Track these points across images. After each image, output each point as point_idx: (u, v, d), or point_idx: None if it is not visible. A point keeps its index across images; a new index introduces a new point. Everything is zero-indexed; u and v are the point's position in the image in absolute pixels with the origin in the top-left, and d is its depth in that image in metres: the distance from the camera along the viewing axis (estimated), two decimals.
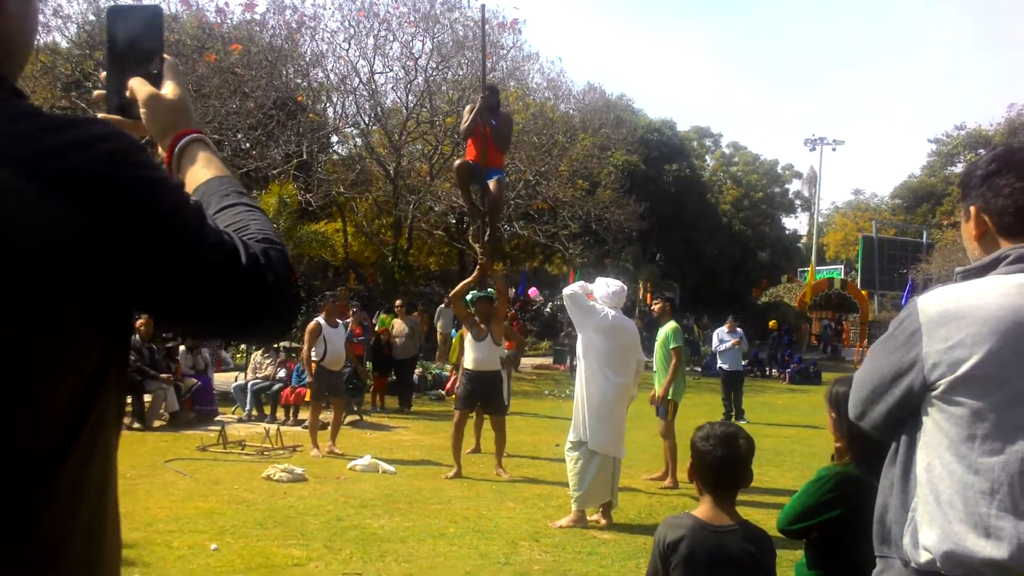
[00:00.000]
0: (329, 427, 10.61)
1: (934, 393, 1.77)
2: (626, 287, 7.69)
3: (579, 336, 7.37)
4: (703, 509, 2.76)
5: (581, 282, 7.80)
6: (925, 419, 1.81)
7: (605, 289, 7.31)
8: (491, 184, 8.94)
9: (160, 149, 1.31)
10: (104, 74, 1.31)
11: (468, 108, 8.96)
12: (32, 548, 0.95)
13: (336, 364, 10.56)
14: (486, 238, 9.37)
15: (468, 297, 9.33)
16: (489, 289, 9.56)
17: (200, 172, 1.28)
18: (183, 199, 1.04)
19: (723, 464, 2.72)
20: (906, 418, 1.87)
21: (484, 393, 9.25)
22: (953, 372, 1.73)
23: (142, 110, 1.29)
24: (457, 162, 9.70)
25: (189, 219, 1.02)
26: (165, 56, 1.33)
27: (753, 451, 2.81)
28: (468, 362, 9.32)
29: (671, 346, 9.23)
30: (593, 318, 7.14)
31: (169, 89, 1.31)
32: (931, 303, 1.80)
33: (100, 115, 1.27)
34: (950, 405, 1.75)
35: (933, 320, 1.77)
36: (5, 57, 1.05)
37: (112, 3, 1.38)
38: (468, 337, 9.29)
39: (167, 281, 1.01)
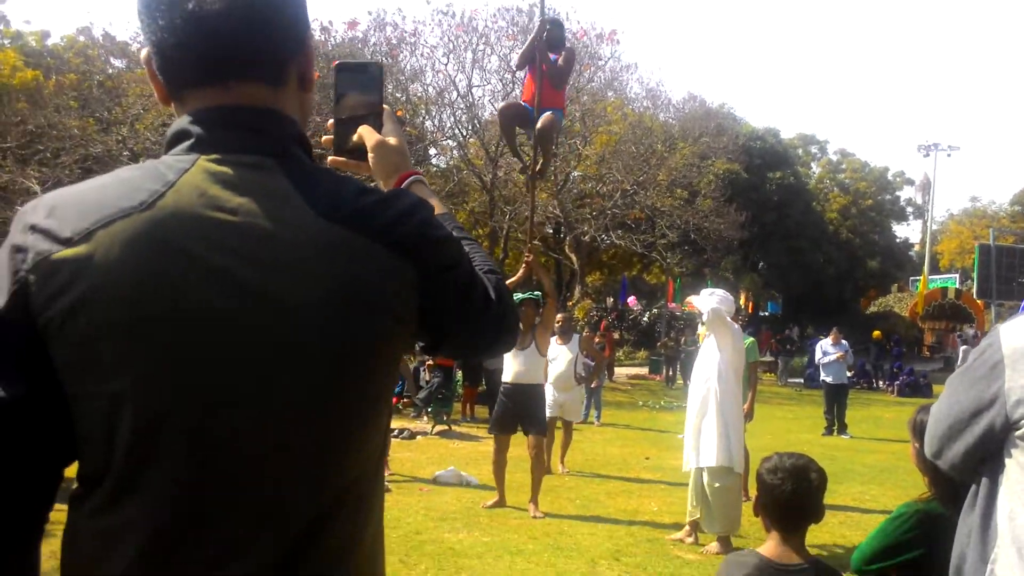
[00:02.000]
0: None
1: (1018, 433, 1.56)
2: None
3: (719, 354, 6.82)
4: (770, 546, 2.55)
5: (693, 296, 7.34)
6: (1008, 461, 1.60)
7: (719, 299, 6.90)
8: (542, 119, 7.57)
9: (383, 186, 1.47)
10: (332, 122, 1.49)
11: (532, 37, 7.73)
12: (366, 546, 1.20)
13: None
14: (537, 168, 7.97)
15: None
16: (536, 292, 8.50)
17: None
18: (463, 251, 1.27)
19: (792, 499, 2.51)
20: (987, 458, 1.65)
21: (523, 411, 7.98)
22: None
23: (370, 155, 1.46)
24: (503, 103, 8.76)
25: (468, 267, 1.27)
26: (384, 106, 1.50)
27: (825, 484, 2.59)
28: (506, 375, 8.11)
29: (750, 360, 8.82)
30: (734, 335, 6.82)
31: (391, 135, 1.48)
32: (1015, 333, 1.59)
33: (330, 158, 1.48)
34: None
35: (1018, 352, 1.56)
36: (304, 124, 1.26)
37: (340, 60, 1.53)
38: None
39: (453, 314, 1.24)
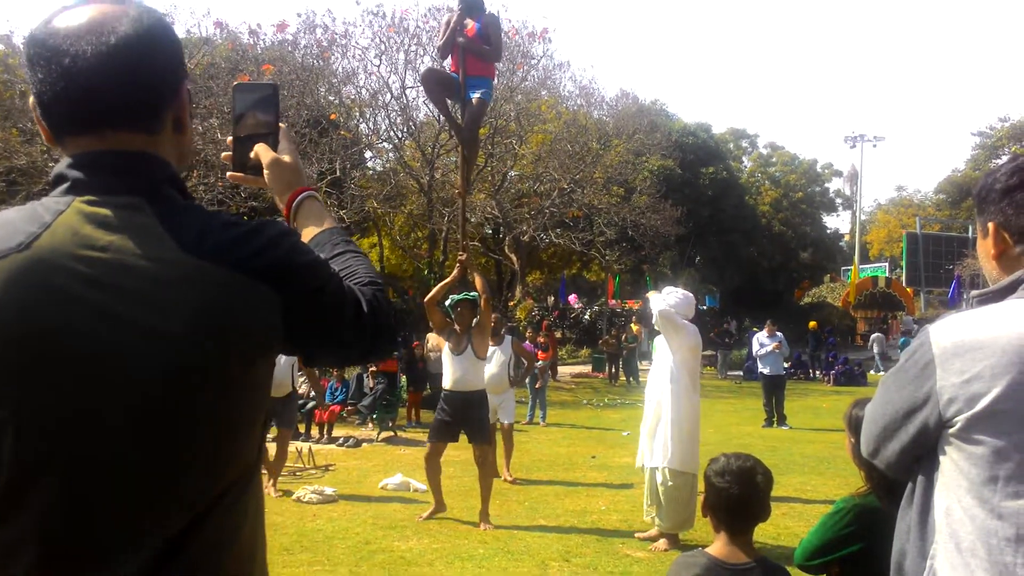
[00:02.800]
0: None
1: (951, 431, 1.61)
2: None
3: (672, 356, 6.83)
4: (718, 546, 2.59)
5: (653, 293, 7.36)
6: (943, 458, 1.64)
7: (678, 299, 6.91)
8: (472, 101, 7.30)
9: (278, 201, 1.58)
10: (231, 139, 1.58)
11: (445, 20, 7.39)
12: (237, 549, 1.27)
13: (278, 390, 8.63)
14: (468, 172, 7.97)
15: (447, 302, 7.81)
16: (472, 293, 7.88)
17: (314, 223, 1.56)
18: (330, 273, 1.35)
19: (740, 501, 2.56)
20: (923, 456, 1.70)
21: (465, 419, 7.59)
22: (971, 408, 1.57)
23: (266, 171, 1.56)
24: (422, 71, 8.33)
25: (337, 287, 1.34)
26: (280, 124, 1.60)
27: (771, 484, 2.65)
28: (445, 381, 7.75)
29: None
30: (688, 336, 6.81)
31: (286, 153, 1.58)
32: (944, 332, 1.63)
33: (229, 174, 1.61)
34: (969, 444, 1.59)
35: (947, 351, 1.60)
36: (181, 166, 1.35)
37: (237, 82, 1.63)
38: (445, 351, 7.71)
39: (322, 333, 1.33)
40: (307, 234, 1.54)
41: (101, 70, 1.21)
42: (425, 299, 7.73)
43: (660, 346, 7.14)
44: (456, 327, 7.67)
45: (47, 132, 1.29)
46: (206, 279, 1.19)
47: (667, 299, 6.87)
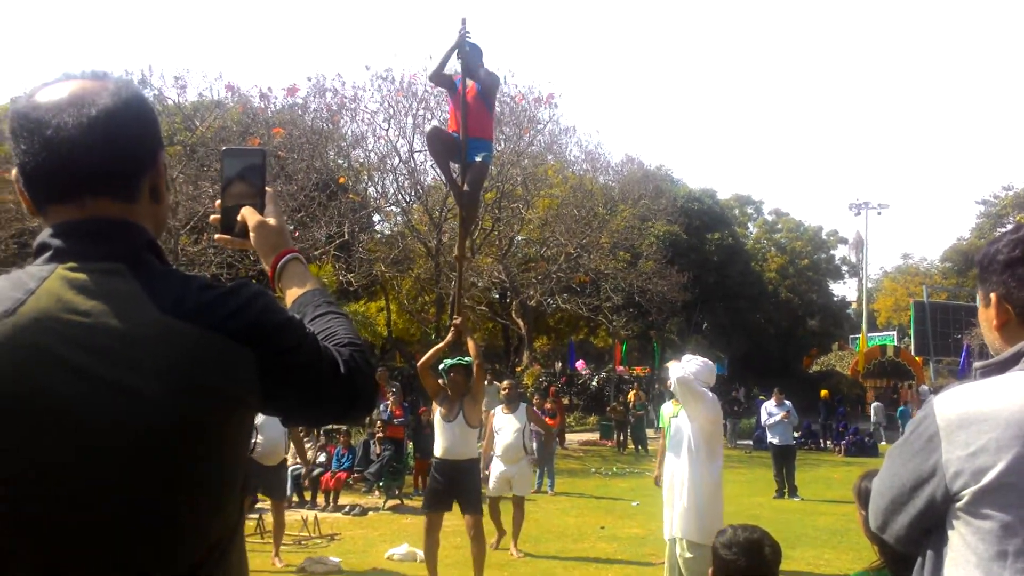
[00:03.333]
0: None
1: (958, 504, 1.59)
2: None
3: (690, 424, 6.85)
4: None
5: (674, 362, 7.23)
6: (951, 532, 1.62)
7: (698, 367, 6.83)
8: (476, 162, 7.16)
9: (264, 262, 1.62)
10: (219, 202, 1.62)
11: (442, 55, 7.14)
12: None
13: (270, 458, 8.61)
14: (465, 242, 7.72)
15: (440, 367, 7.65)
16: (466, 358, 7.63)
17: (297, 284, 1.60)
18: (306, 332, 1.39)
19: (747, 574, 2.53)
20: (931, 530, 1.69)
21: (456, 488, 7.44)
22: (977, 482, 1.55)
23: (252, 234, 1.61)
24: (429, 127, 8.12)
25: (312, 346, 1.38)
26: (267, 188, 1.64)
27: (780, 557, 2.61)
28: (437, 449, 7.56)
29: None
30: (707, 404, 6.70)
31: (271, 216, 1.63)
32: (948, 404, 1.63)
33: (216, 236, 1.66)
34: (976, 518, 1.57)
35: (952, 423, 1.60)
36: (157, 233, 1.40)
37: (226, 147, 1.69)
38: (437, 417, 7.56)
39: (297, 392, 1.35)
40: (291, 295, 1.59)
41: (81, 141, 1.27)
42: (418, 363, 7.60)
43: (680, 416, 7.02)
44: (449, 393, 7.51)
45: (29, 203, 1.34)
46: (183, 339, 1.23)
47: (687, 367, 6.78)
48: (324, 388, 1.38)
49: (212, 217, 1.67)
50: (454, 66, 7.19)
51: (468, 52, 6.90)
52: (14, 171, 1.33)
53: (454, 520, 10.83)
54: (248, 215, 1.62)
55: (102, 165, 1.29)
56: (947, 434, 1.61)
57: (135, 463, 1.20)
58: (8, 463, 1.17)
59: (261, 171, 1.65)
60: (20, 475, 1.17)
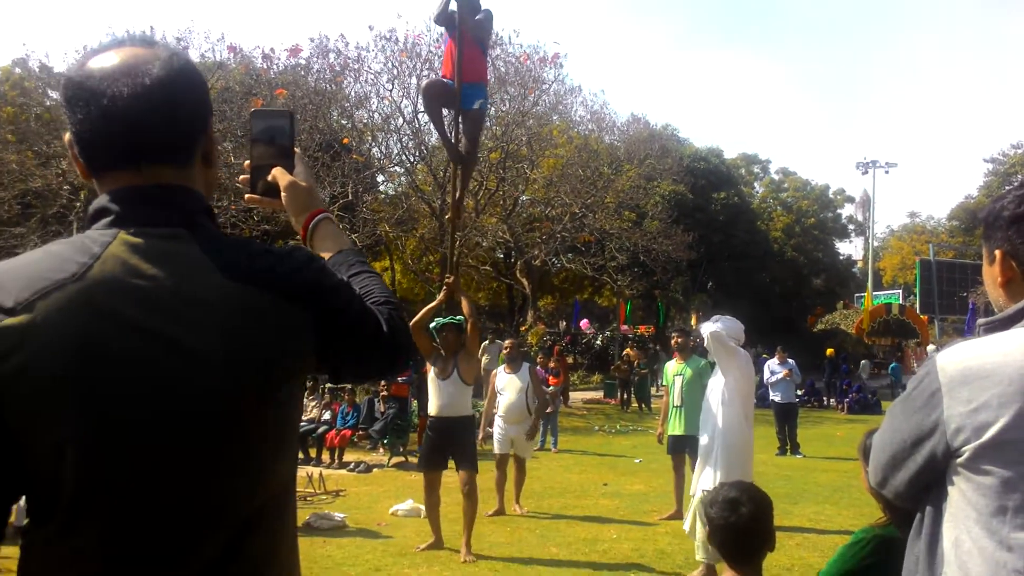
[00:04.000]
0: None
1: (959, 460, 1.59)
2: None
3: (724, 379, 6.73)
4: None
5: (707, 323, 7.20)
6: (951, 489, 1.63)
7: (726, 324, 6.80)
8: (473, 110, 7.05)
9: (295, 222, 1.66)
10: (248, 163, 1.65)
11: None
12: (278, 566, 1.37)
13: None
14: (459, 195, 7.70)
15: (432, 326, 7.62)
16: (458, 316, 7.72)
17: (330, 245, 1.65)
18: (354, 293, 1.46)
19: (732, 532, 2.53)
20: (931, 486, 1.69)
21: (451, 444, 7.50)
22: (978, 437, 1.55)
23: (283, 193, 1.64)
24: (425, 82, 7.95)
25: (360, 306, 1.45)
26: (295, 148, 1.67)
27: (765, 511, 2.61)
28: (431, 407, 7.64)
29: (706, 380, 8.86)
30: (740, 360, 6.72)
31: (301, 177, 1.66)
32: (951, 360, 1.62)
33: (247, 196, 1.68)
34: (977, 474, 1.57)
35: (954, 380, 1.59)
36: (209, 196, 1.44)
37: (254, 109, 1.70)
38: (431, 376, 7.58)
39: (348, 350, 1.43)
40: (323, 255, 1.61)
41: (138, 109, 1.30)
42: (411, 323, 7.55)
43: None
44: (442, 352, 7.53)
45: (83, 167, 1.37)
46: (247, 302, 1.29)
47: (710, 324, 6.80)
48: (372, 346, 1.46)
49: (241, 177, 1.70)
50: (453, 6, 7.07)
51: None
52: (67, 136, 1.36)
53: (456, 476, 10.95)
54: (279, 175, 1.65)
55: (158, 133, 1.33)
56: (949, 390, 1.60)
57: (207, 419, 1.25)
58: (82, 424, 1.20)
59: (290, 132, 1.67)
60: (94, 435, 1.21)
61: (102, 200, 1.33)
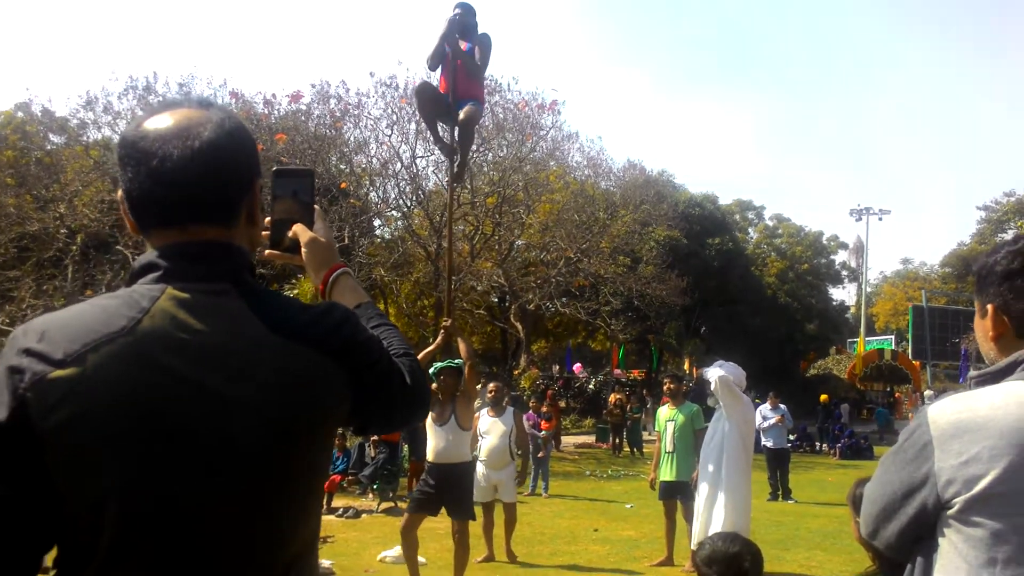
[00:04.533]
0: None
1: (949, 512, 1.61)
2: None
3: (728, 425, 6.76)
4: None
5: (711, 368, 7.20)
6: (941, 540, 1.65)
7: (732, 370, 6.80)
8: (463, 111, 6.98)
9: (314, 277, 1.71)
10: (269, 219, 1.66)
11: (440, 34, 6.94)
12: None
13: None
14: (455, 175, 7.66)
15: (431, 370, 7.40)
16: (456, 360, 7.55)
17: (349, 299, 1.67)
18: (384, 349, 1.51)
19: None
20: (921, 538, 1.70)
21: (447, 492, 7.31)
22: (969, 490, 1.57)
23: (303, 250, 1.69)
24: (417, 84, 7.77)
25: (388, 361, 1.50)
26: (315, 206, 1.72)
27: (761, 566, 2.61)
28: (429, 453, 7.49)
29: (697, 427, 8.85)
30: (744, 406, 6.76)
31: (321, 233, 1.71)
32: (943, 413, 1.65)
33: (266, 251, 1.71)
34: (967, 526, 1.59)
35: (945, 432, 1.62)
36: (252, 252, 1.49)
37: (277, 166, 1.76)
38: (429, 421, 7.36)
39: (377, 402, 1.47)
40: None
41: (186, 171, 1.34)
42: None
43: (716, 416, 7.04)
44: (439, 396, 7.37)
45: (132, 224, 1.41)
46: (292, 358, 1.33)
47: (717, 369, 6.85)
48: (397, 398, 1.51)
49: (263, 234, 1.70)
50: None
51: (460, 14, 6.80)
52: (119, 193, 1.40)
53: (448, 523, 10.82)
54: (300, 231, 1.70)
55: (205, 194, 1.37)
56: (940, 443, 1.63)
57: (249, 475, 1.29)
58: (126, 475, 1.22)
59: (310, 189, 1.73)
60: (137, 486, 1.23)
61: (150, 255, 1.37)
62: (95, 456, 1.22)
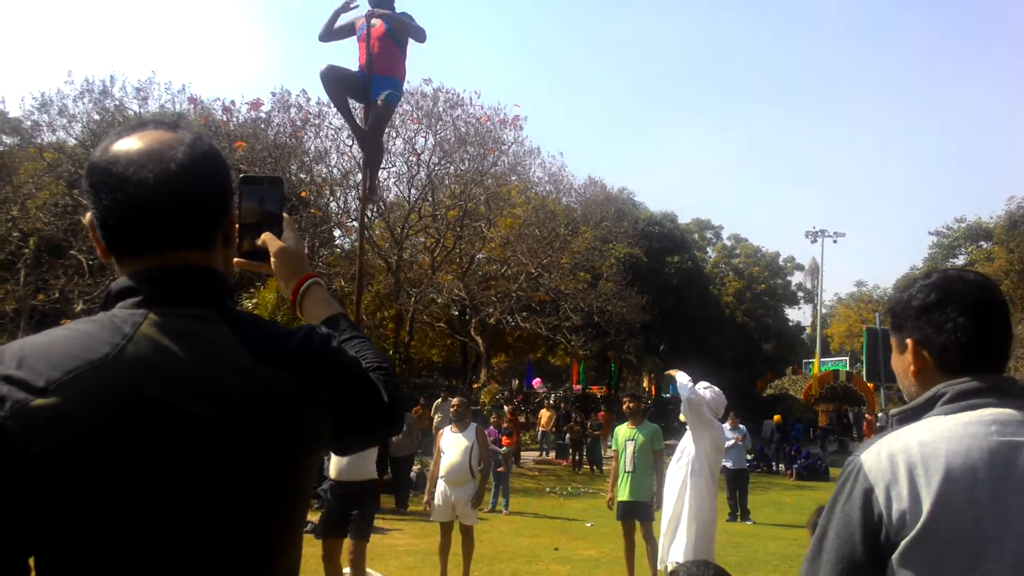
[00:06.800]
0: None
1: (894, 556, 1.60)
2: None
3: (695, 447, 6.71)
4: None
5: (679, 372, 7.14)
6: None
7: (712, 396, 6.76)
8: (378, 102, 6.69)
9: (284, 287, 1.68)
10: (237, 227, 1.57)
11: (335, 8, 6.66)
12: None
13: None
14: (368, 187, 7.51)
15: None
16: None
17: (320, 310, 1.67)
18: (362, 368, 1.49)
19: None
20: None
21: (348, 511, 7.05)
22: (907, 531, 1.57)
23: (273, 259, 1.65)
24: (322, 68, 7.02)
25: (367, 380, 1.48)
26: (284, 214, 1.68)
27: None
28: (331, 471, 7.21)
29: (656, 448, 8.86)
30: (715, 431, 6.71)
31: (291, 242, 1.68)
32: (872, 456, 1.65)
33: (235, 259, 1.60)
34: (906, 567, 1.58)
35: (877, 476, 1.61)
36: (227, 274, 1.46)
37: (245, 174, 1.71)
38: None
39: (358, 422, 1.48)
40: (314, 320, 1.65)
41: (164, 196, 1.31)
42: None
43: (684, 438, 7.03)
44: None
45: (103, 249, 1.38)
46: (275, 384, 1.33)
47: (702, 393, 6.83)
48: (377, 417, 1.51)
49: None
50: (363, 9, 6.98)
51: None
52: (89, 216, 1.36)
53: (407, 539, 10.69)
54: (269, 241, 1.67)
55: (183, 219, 1.35)
56: (876, 485, 1.62)
57: (232, 498, 1.28)
58: (111, 504, 1.20)
59: (279, 198, 1.68)
60: (123, 514, 1.21)
61: (127, 280, 1.34)
62: (77, 486, 1.20)
